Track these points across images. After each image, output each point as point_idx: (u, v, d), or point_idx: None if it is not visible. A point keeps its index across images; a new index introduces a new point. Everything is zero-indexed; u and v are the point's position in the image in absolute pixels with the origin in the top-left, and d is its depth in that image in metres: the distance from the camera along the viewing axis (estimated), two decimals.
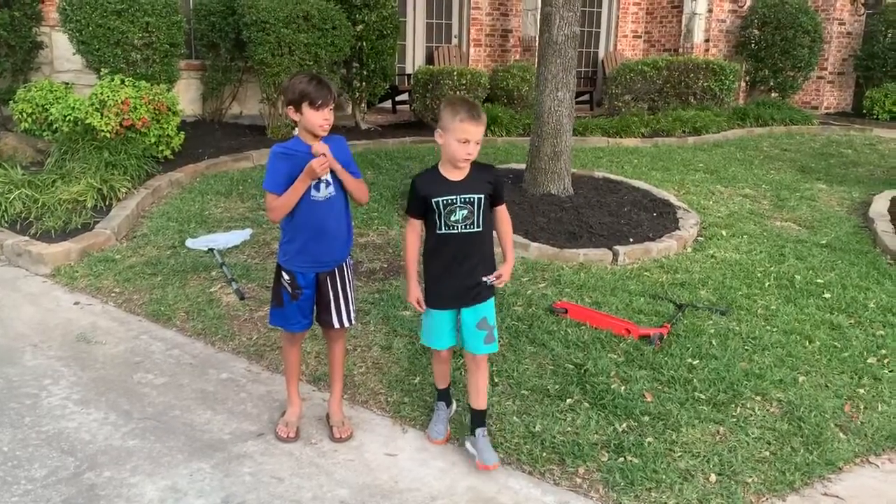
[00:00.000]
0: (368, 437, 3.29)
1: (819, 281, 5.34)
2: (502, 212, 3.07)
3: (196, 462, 3.04)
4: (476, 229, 2.95)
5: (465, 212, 2.91)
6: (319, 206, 3.02)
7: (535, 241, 5.71)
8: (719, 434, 3.40)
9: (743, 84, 13.88)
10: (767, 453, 3.28)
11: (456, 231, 2.94)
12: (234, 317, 4.36)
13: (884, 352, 4.30)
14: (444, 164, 2.94)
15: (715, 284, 5.19)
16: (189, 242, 5.46)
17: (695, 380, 3.83)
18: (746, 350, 4.21)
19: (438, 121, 2.89)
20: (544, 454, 3.18)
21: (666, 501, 2.94)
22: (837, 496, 3.07)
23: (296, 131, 3.06)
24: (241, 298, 4.56)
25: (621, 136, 10.15)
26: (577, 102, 13.47)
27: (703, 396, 3.69)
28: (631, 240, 5.87)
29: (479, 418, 3.10)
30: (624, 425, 3.41)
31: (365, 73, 9.92)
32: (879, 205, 7.09)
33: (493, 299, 3.07)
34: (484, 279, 3.00)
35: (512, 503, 2.90)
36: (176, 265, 5.09)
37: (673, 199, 6.96)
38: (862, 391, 3.85)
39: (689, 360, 4.04)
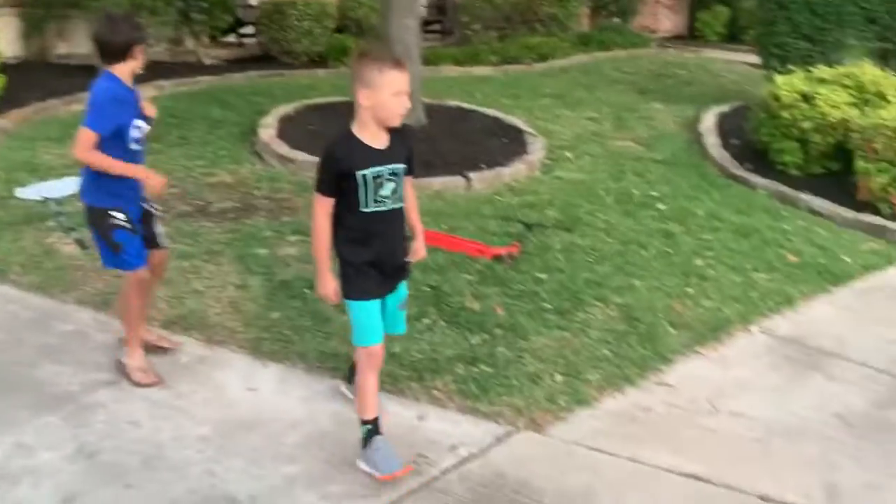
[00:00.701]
0: (228, 374, 3.28)
1: (654, 194, 5.73)
2: (409, 180, 2.74)
3: (44, 416, 2.93)
4: (401, 204, 2.66)
5: (393, 184, 2.58)
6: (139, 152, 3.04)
7: None
8: (564, 339, 3.65)
9: (587, 10, 14.28)
10: (607, 352, 3.57)
11: (385, 208, 2.58)
12: (76, 267, 4.15)
13: (709, 253, 4.72)
14: (362, 128, 2.54)
15: (561, 204, 5.45)
16: (19, 192, 5.09)
17: (542, 292, 4.06)
18: (588, 262, 4.49)
19: (356, 79, 2.50)
20: (403, 373, 3.30)
21: (517, 403, 3.15)
22: (668, 384, 3.40)
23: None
24: (83, 248, 4.33)
25: (472, 65, 10.25)
26: (429, 32, 13.44)
27: (549, 306, 3.93)
28: (483, 166, 6.03)
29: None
30: (477, 339, 3.59)
31: (204, 4, 9.39)
32: (708, 120, 7.62)
33: None
34: (406, 259, 2.77)
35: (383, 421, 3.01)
36: (6, 217, 4.74)
37: (522, 125, 7.17)
38: (690, 290, 4.24)
39: (537, 274, 4.28)
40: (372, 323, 2.66)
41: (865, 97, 5.82)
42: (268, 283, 4.02)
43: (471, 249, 4.52)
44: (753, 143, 6.46)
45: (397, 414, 3.04)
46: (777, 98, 5.97)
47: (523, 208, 5.35)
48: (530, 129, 7.07)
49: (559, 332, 3.71)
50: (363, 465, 2.68)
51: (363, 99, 2.50)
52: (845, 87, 5.89)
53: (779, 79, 6.18)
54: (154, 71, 8.71)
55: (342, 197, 2.56)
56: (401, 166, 2.62)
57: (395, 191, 2.60)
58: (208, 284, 3.99)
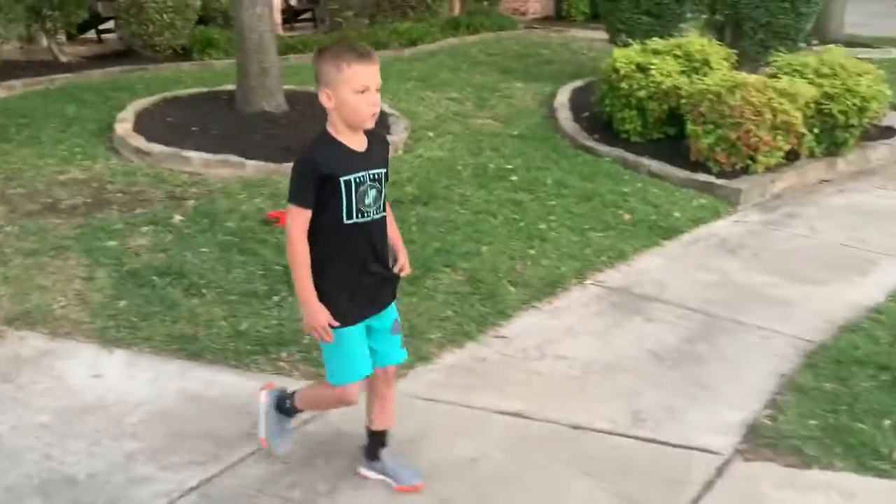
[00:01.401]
0: (71, 364, 3.30)
1: (508, 167, 6.02)
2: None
3: None
4: (384, 213, 2.38)
5: (375, 192, 2.31)
6: None
7: (252, 160, 5.79)
8: (411, 304, 3.85)
9: None
10: (450, 312, 3.80)
11: (369, 218, 2.31)
12: None
13: (553, 217, 5.03)
14: (338, 130, 2.28)
15: (420, 180, 5.65)
16: None
17: None
18: (441, 232, 4.71)
19: (316, 78, 2.26)
20: (248, 347, 3.42)
21: None
22: (504, 336, 3.66)
23: None
24: None
25: None
26: (300, 21, 13.43)
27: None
28: None
29: (384, 438, 2.61)
30: None
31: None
32: (563, 96, 8.01)
33: None
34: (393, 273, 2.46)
35: (220, 394, 3.12)
36: None
37: (385, 108, 7.32)
38: (532, 251, 4.53)
39: None
40: (358, 351, 2.36)
41: (694, 65, 6.29)
42: (115, 273, 4.02)
43: None
44: (600, 114, 6.85)
45: (240, 386, 3.15)
46: (616, 70, 6.36)
47: None
48: (394, 111, 7.23)
49: (407, 298, 3.90)
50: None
51: (325, 99, 2.25)
52: (676, 57, 6.35)
53: (616, 52, 6.58)
54: (4, 71, 8.41)
55: (319, 209, 2.26)
56: (382, 171, 2.36)
57: (377, 199, 2.32)
58: (54, 279, 3.96)
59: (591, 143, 6.60)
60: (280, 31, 11.62)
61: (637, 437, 2.85)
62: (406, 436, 2.82)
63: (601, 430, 2.90)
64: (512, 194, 5.44)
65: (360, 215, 2.29)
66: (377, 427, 2.59)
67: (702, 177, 5.75)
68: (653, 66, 6.22)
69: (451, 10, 13.64)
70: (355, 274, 2.34)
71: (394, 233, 2.50)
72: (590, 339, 3.64)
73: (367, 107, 2.25)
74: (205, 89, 7.75)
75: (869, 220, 5.15)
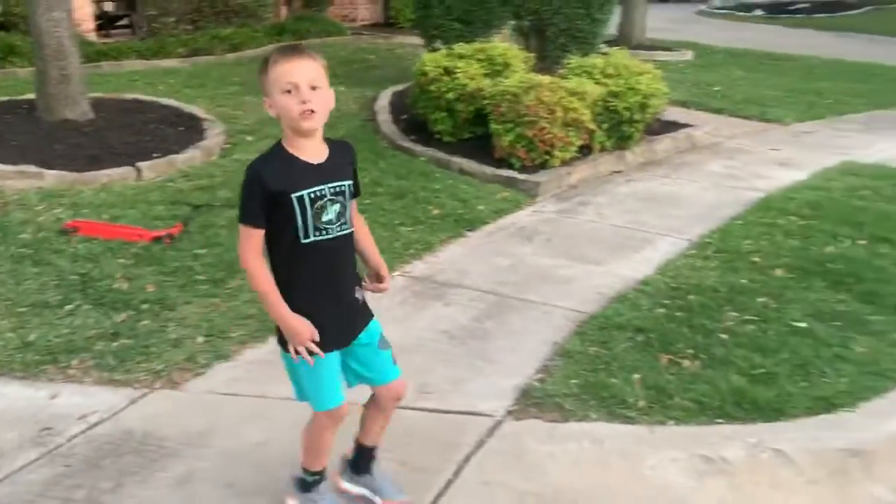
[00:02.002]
0: None
1: None
2: (355, 204, 2.30)
3: None
4: (350, 229, 2.21)
5: (338, 206, 2.13)
6: None
7: (52, 169, 5.56)
8: (213, 305, 3.89)
9: (282, 0, 14.49)
10: (255, 311, 3.86)
11: (331, 236, 2.13)
12: None
13: (366, 215, 5.14)
14: (290, 141, 2.11)
15: (234, 184, 5.64)
16: None
17: (198, 266, 4.27)
18: None
19: (264, 90, 2.11)
20: (37, 357, 3.34)
21: (155, 367, 3.33)
22: None
23: None
24: None
25: (159, 58, 10.04)
26: (117, 27, 12.85)
27: (202, 278, 4.15)
28: (155, 155, 6.04)
29: (375, 453, 2.51)
30: (123, 316, 3.71)
31: None
32: (384, 99, 8.25)
33: None
34: (358, 294, 2.28)
35: (4, 406, 3.03)
36: None
37: (201, 113, 7.24)
38: None
39: (196, 250, 4.47)
40: (332, 377, 2.22)
41: (496, 68, 6.71)
42: None
43: (129, 235, 4.58)
44: (416, 116, 7.13)
45: (28, 398, 3.09)
46: (424, 73, 6.66)
47: (195, 191, 5.49)
48: (210, 117, 7.16)
49: (209, 299, 3.95)
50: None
51: (267, 108, 2.11)
52: (479, 60, 6.74)
53: (425, 56, 6.90)
54: None
55: (273, 228, 2.09)
56: (345, 183, 2.16)
57: (340, 214, 2.14)
58: None
59: (407, 144, 6.86)
60: (94, 37, 11.12)
61: (421, 409, 3.06)
62: (196, 427, 2.89)
63: None
64: None
65: (319, 233, 2.10)
66: (371, 443, 2.46)
67: (506, 172, 6.14)
68: (458, 70, 6.56)
69: (276, 16, 13.57)
70: (324, 298, 2.17)
71: (368, 245, 2.37)
72: (391, 325, 3.76)
73: (298, 106, 2.03)
74: (5, 98, 7.32)
75: (650, 204, 5.73)
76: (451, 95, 6.52)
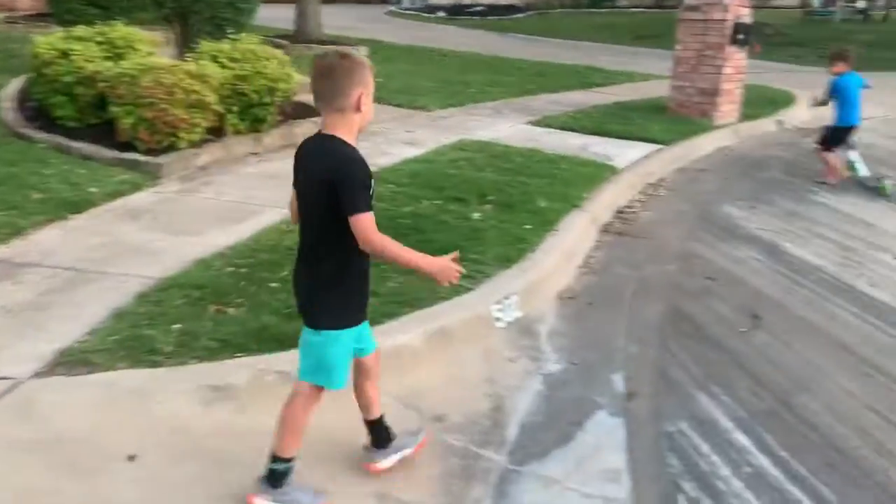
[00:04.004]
0: None
1: None
2: None
3: None
4: None
5: None
6: None
7: None
8: None
9: None
10: None
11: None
12: None
13: None
14: (354, 137, 2.30)
15: None
16: None
17: None
18: None
19: (355, 82, 2.24)
20: None
21: None
22: None
23: None
24: None
25: None
26: None
27: None
28: None
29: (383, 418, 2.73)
30: None
31: None
32: (12, 87, 7.69)
33: None
34: None
35: None
36: None
37: None
38: None
39: None
40: (348, 358, 2.46)
41: (118, 51, 6.56)
42: None
43: None
44: (39, 102, 6.73)
45: None
46: (38, 56, 6.32)
47: None
48: None
49: None
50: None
51: (365, 102, 2.27)
52: (99, 43, 6.55)
53: (39, 39, 6.54)
54: None
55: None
56: None
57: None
58: None
59: (28, 131, 6.46)
60: None
61: None
62: None
63: None
64: None
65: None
66: (378, 413, 2.68)
67: (130, 155, 6.04)
68: (75, 52, 6.32)
69: None
70: (367, 273, 2.42)
71: None
72: None
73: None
74: None
75: (272, 182, 5.98)
76: (69, 79, 6.27)
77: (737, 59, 9.25)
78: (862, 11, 25.61)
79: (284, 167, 6.92)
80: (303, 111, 7.78)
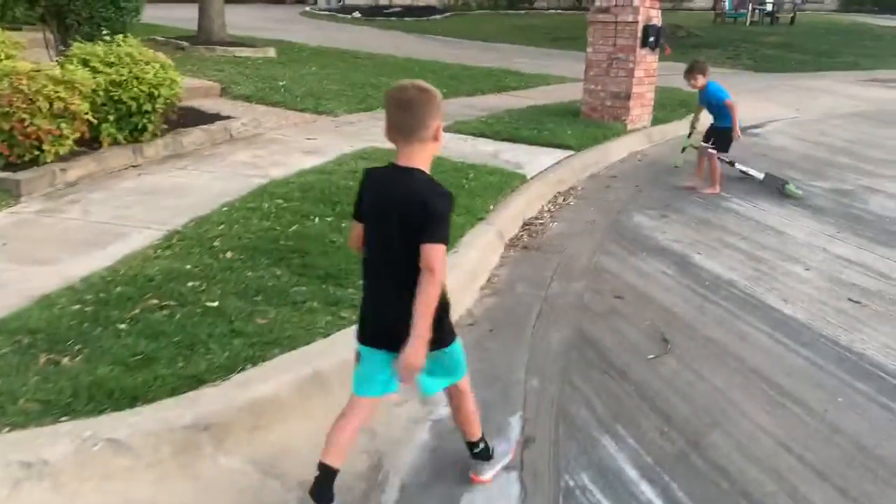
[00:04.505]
0: None
1: None
2: None
3: None
4: None
5: None
6: None
7: None
8: None
9: None
10: None
11: None
12: None
13: None
14: (429, 166, 2.38)
15: None
16: None
17: None
18: None
19: (434, 113, 2.32)
20: None
21: None
22: None
23: None
24: None
25: None
26: None
27: None
28: None
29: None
30: None
31: None
32: None
33: None
34: None
35: None
36: None
37: None
38: None
39: None
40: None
41: None
42: None
43: None
44: None
45: None
46: None
47: None
48: None
49: None
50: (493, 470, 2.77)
51: (436, 133, 2.35)
52: None
53: None
54: None
55: None
56: None
57: None
58: None
59: None
60: None
61: None
62: None
63: None
64: None
65: None
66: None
67: None
68: None
69: None
70: None
71: None
72: None
73: None
74: None
75: (150, 198, 5.43)
76: None
77: (648, 62, 9.12)
78: (770, 14, 26.29)
79: (167, 180, 6.49)
80: (193, 118, 7.22)
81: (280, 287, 3.80)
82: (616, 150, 8.35)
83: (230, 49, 12.99)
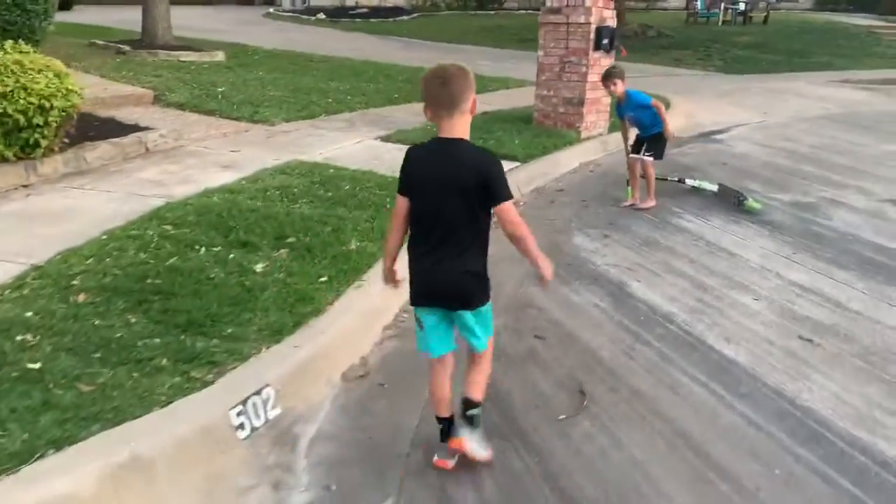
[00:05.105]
0: None
1: None
2: None
3: None
4: None
5: None
6: None
7: None
8: None
9: None
10: None
11: None
12: None
13: None
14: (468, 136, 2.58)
15: None
16: None
17: None
18: None
19: (471, 88, 2.54)
20: None
21: None
22: None
23: None
24: None
25: None
26: None
27: None
28: None
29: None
30: None
31: None
32: None
33: None
34: None
35: None
36: None
37: None
38: None
39: None
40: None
41: None
42: None
43: None
44: None
45: None
46: None
47: None
48: None
49: None
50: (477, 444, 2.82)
51: (475, 107, 2.57)
52: None
53: None
54: None
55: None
56: None
57: None
58: None
59: None
60: None
61: None
62: None
63: None
64: None
65: None
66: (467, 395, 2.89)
67: None
68: None
69: None
70: None
71: None
72: None
73: None
74: None
75: (28, 224, 4.83)
76: None
77: (603, 66, 8.60)
78: (742, 14, 25.94)
79: (57, 202, 5.73)
80: (108, 130, 6.63)
81: (127, 339, 3.23)
82: (567, 161, 7.84)
83: (174, 53, 12.37)
